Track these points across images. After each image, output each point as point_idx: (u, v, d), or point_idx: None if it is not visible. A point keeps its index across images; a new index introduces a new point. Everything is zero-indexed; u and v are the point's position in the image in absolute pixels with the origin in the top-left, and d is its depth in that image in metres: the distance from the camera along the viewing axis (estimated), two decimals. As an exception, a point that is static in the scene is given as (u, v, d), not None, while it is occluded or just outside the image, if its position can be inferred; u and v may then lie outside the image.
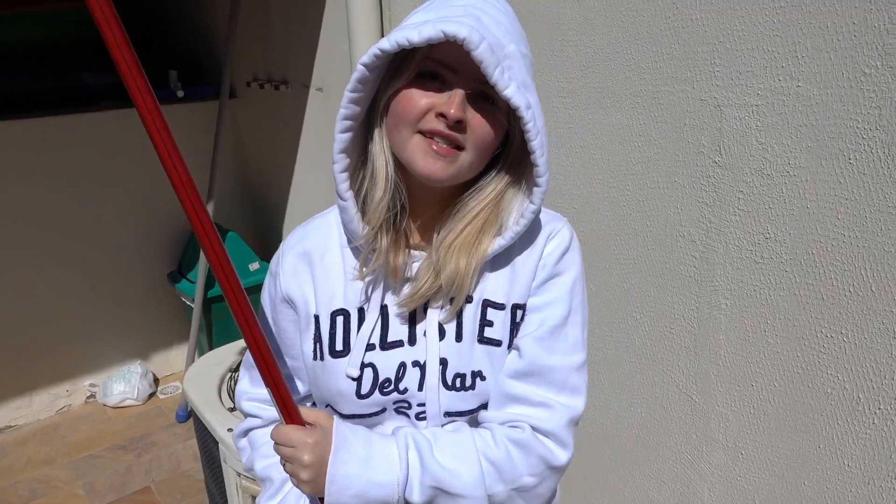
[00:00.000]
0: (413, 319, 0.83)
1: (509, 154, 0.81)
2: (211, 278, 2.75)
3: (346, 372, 0.82)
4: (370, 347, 0.83)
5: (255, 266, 2.86)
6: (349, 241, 0.85)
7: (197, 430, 1.75)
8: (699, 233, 1.33)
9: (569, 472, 1.66)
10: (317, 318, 0.85)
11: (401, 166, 0.79)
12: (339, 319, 0.84)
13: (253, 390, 0.96)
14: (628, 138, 1.41)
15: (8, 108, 2.62)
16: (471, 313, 0.82)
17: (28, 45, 2.86)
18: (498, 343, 0.82)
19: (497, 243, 0.80)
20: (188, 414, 2.74)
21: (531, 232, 0.84)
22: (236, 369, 1.82)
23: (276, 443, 0.79)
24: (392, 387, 0.82)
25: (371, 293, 0.83)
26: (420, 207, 0.83)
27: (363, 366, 0.82)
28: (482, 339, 0.82)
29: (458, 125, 0.73)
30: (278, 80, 2.60)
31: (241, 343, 2.00)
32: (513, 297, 0.82)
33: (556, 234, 0.84)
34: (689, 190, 1.33)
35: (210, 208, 2.62)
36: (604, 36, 1.40)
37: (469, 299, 0.82)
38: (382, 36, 1.96)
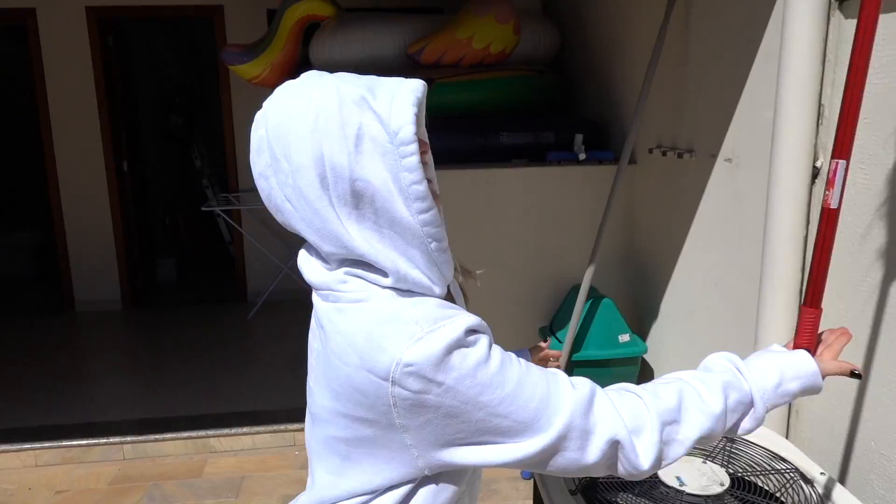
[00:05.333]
0: None
1: None
2: (578, 342, 2.71)
3: None
4: None
5: (625, 338, 2.72)
6: (437, 292, 0.90)
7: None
8: None
9: None
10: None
11: None
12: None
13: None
14: None
15: (443, 160, 3.03)
16: None
17: (465, 107, 3.27)
18: None
19: None
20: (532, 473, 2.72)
21: None
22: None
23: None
24: None
25: None
26: None
27: None
28: None
29: None
30: (683, 149, 2.45)
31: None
32: None
33: None
34: None
35: (590, 271, 2.59)
36: None
37: None
38: (820, 104, 1.66)
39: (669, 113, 2.57)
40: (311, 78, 0.88)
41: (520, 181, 2.92)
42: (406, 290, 0.86)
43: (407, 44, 3.33)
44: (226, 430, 2.95)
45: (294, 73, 3.66)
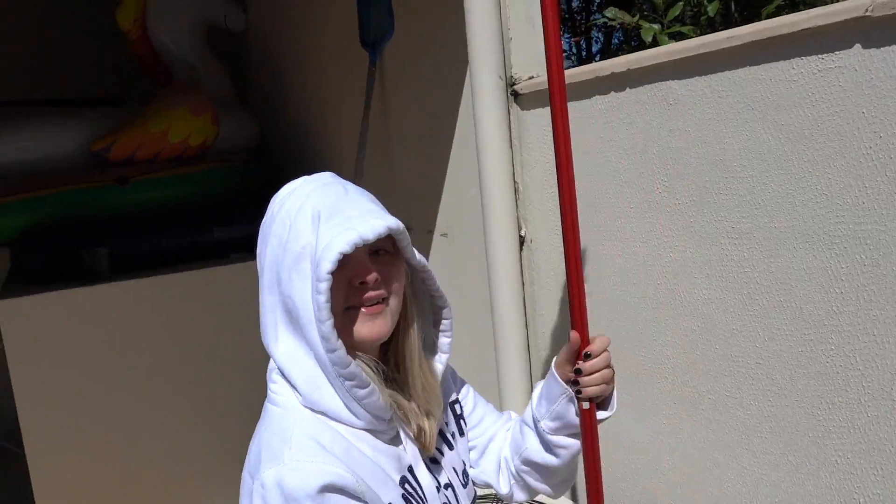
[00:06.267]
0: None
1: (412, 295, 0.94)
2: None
3: None
4: (439, 489, 0.93)
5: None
6: (359, 424, 0.85)
7: None
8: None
9: None
10: None
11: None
12: (408, 487, 0.88)
13: None
14: (826, 284, 1.20)
15: (155, 264, 2.76)
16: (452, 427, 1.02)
17: (170, 204, 3.03)
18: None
19: (443, 361, 0.96)
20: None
21: None
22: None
23: (600, 352, 0.94)
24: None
25: (407, 454, 0.90)
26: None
27: None
28: (462, 432, 1.04)
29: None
30: (400, 226, 2.58)
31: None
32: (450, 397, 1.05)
33: None
34: (920, 346, 1.08)
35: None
36: (777, 169, 1.24)
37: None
38: (514, 179, 1.89)
39: (384, 192, 2.67)
40: (311, 178, 0.93)
41: (243, 276, 2.76)
42: (320, 412, 0.83)
43: (89, 140, 2.99)
44: None
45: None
